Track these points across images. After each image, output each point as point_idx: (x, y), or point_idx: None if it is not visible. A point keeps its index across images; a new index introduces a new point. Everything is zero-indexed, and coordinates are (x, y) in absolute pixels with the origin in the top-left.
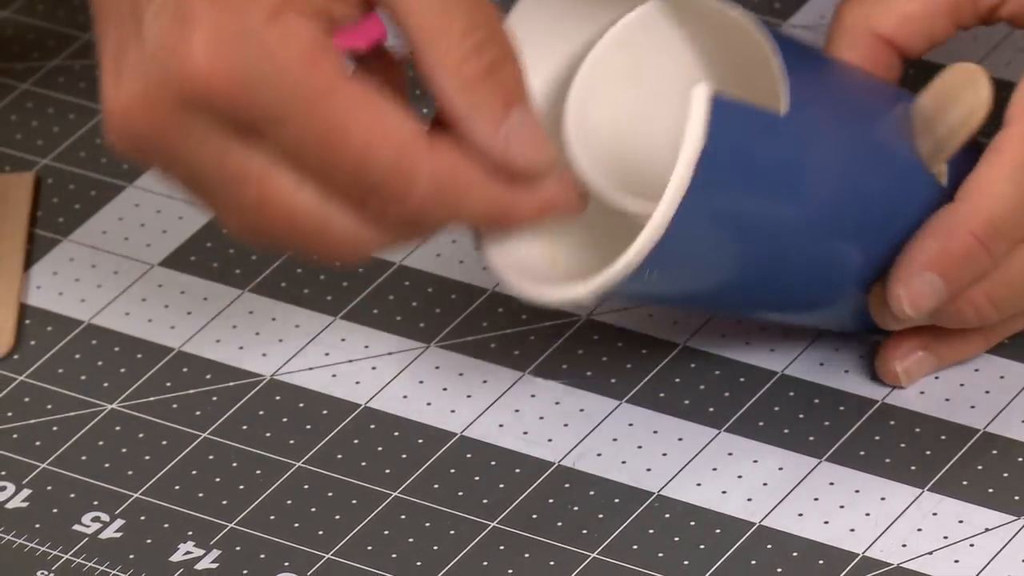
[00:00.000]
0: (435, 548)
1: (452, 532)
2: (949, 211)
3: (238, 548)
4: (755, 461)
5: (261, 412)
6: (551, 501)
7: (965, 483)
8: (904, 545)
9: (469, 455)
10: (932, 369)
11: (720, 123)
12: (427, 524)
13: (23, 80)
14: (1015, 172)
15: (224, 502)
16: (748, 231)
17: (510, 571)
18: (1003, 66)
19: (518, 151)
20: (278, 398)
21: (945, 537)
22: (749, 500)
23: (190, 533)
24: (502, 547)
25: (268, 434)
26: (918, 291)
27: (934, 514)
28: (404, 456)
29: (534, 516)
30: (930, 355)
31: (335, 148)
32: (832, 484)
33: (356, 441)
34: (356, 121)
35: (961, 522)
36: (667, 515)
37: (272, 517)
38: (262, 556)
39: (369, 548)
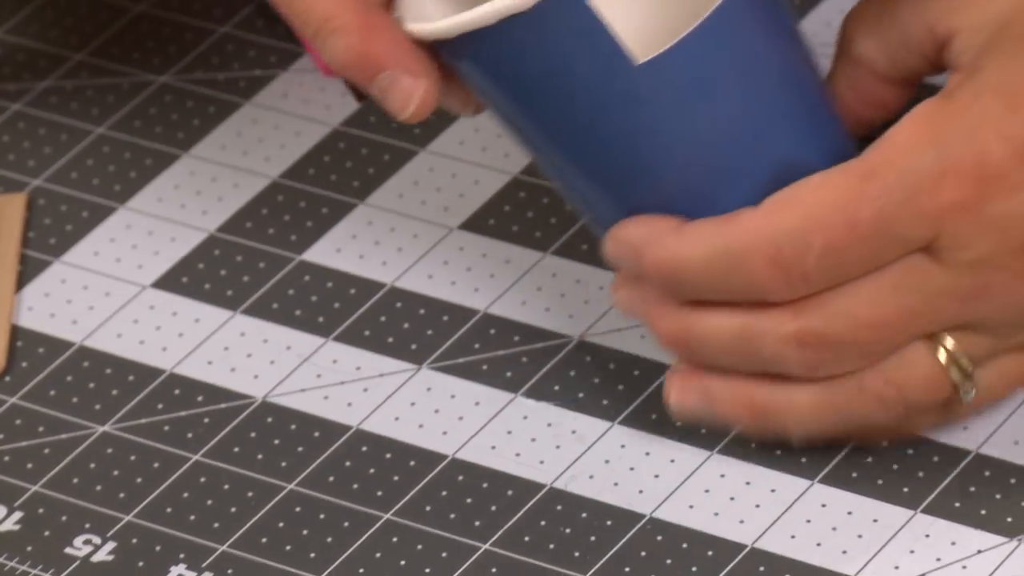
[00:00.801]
0: (427, 570)
1: (444, 554)
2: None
3: (230, 571)
4: (747, 483)
5: (253, 434)
6: (543, 523)
7: (957, 504)
8: (896, 567)
9: (461, 477)
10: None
11: None
12: (419, 547)
13: (15, 101)
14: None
15: (216, 524)
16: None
17: None
18: None
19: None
20: (270, 420)
21: (938, 559)
22: (741, 522)
23: (182, 556)
24: (494, 569)
25: (260, 456)
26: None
27: (926, 536)
28: (396, 478)
29: (526, 538)
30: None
31: None
32: (824, 506)
33: (348, 463)
34: None
35: (954, 544)
36: (659, 537)
37: (264, 539)
38: None
39: (361, 571)
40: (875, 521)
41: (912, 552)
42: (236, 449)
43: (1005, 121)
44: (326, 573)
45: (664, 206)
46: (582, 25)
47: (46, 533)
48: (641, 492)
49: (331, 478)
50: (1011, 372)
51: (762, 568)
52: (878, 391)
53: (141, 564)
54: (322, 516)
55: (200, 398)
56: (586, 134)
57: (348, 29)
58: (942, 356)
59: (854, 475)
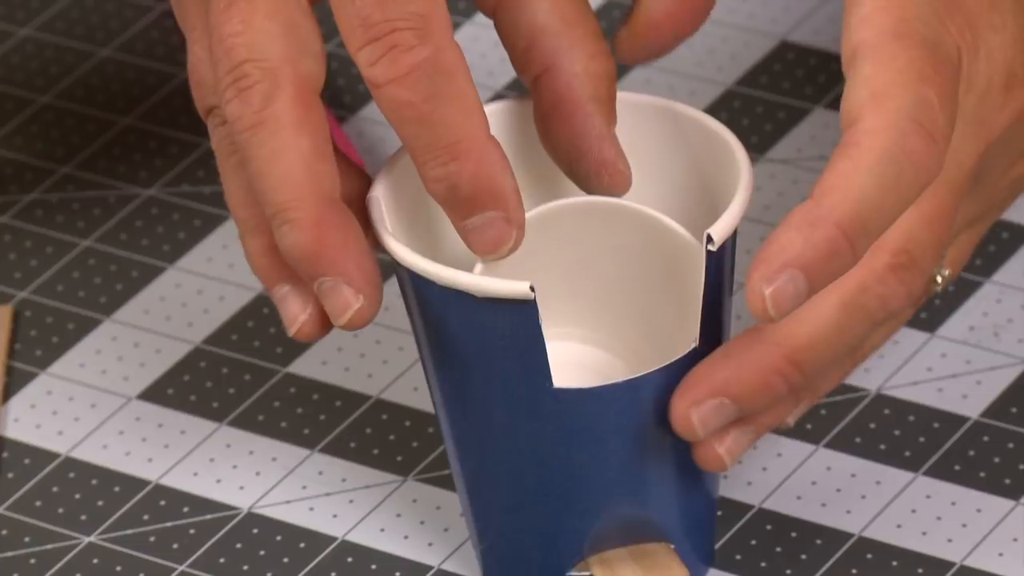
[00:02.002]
0: None
1: None
2: (810, 207)
3: None
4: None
5: (238, 545)
6: None
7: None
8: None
9: None
10: (748, 440)
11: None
12: None
13: (1, 213)
14: (876, 166)
15: None
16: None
17: None
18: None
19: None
20: (255, 531)
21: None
22: None
23: None
24: None
25: (246, 567)
26: (781, 289)
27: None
28: None
29: None
30: (747, 428)
31: None
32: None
33: (333, 574)
34: None
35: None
36: None
37: None
38: None
39: None
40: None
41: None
42: (222, 560)
43: None
44: None
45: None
46: (528, 330)
47: None
48: None
49: None
50: (965, 248)
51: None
52: (887, 261)
53: None
54: None
55: (186, 509)
56: (466, 403)
57: (302, 224)
58: None
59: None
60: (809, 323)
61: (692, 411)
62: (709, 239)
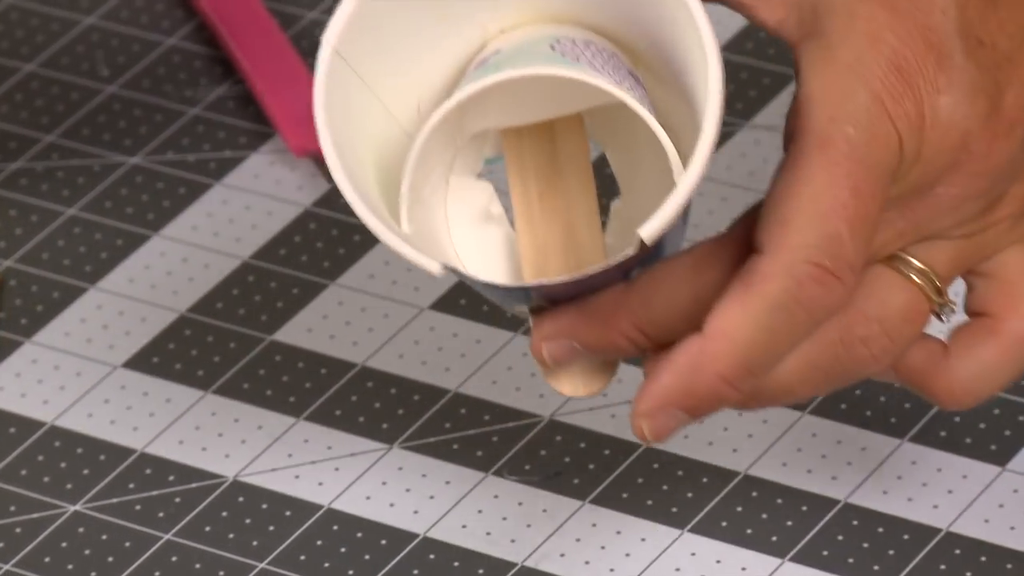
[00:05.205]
0: None
1: None
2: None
3: None
4: (718, 561)
5: (224, 513)
6: None
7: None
8: None
9: (432, 556)
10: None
11: None
12: None
13: None
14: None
15: None
16: None
17: None
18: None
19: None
20: (241, 499)
21: None
22: (611, 570)
23: None
24: None
25: (231, 535)
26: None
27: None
28: (367, 557)
29: None
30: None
31: None
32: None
33: (319, 542)
34: None
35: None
36: None
37: None
38: None
39: None
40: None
41: None
42: (207, 528)
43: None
44: None
45: None
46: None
47: None
48: (612, 570)
49: (302, 557)
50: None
51: None
52: (861, 334)
53: None
54: None
55: (171, 477)
56: None
57: None
58: (913, 274)
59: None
60: (739, 337)
61: (644, 422)
62: (640, 240)
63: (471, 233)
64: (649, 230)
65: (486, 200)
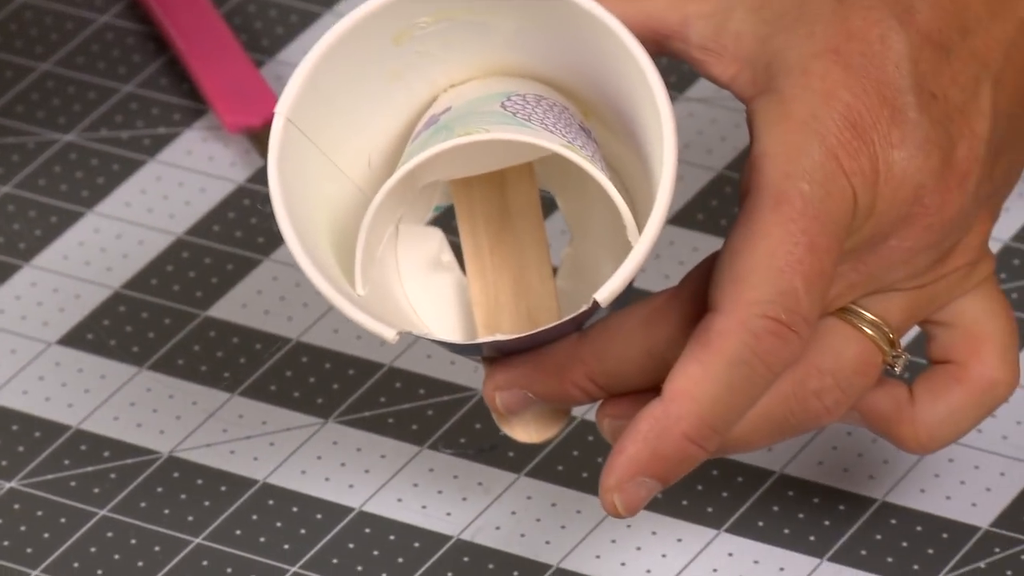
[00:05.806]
0: None
1: None
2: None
3: None
4: (653, 533)
5: (159, 489)
6: (450, 575)
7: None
8: None
9: (368, 530)
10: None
11: None
12: None
13: None
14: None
15: None
16: None
17: None
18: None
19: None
20: (176, 475)
21: None
22: (648, 572)
23: None
24: None
25: (166, 511)
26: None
27: None
28: (303, 532)
29: None
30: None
31: None
32: (731, 555)
33: (255, 517)
34: None
35: None
36: None
37: None
38: None
39: None
40: (781, 569)
41: None
42: (143, 504)
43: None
44: None
45: None
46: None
47: None
48: (548, 543)
49: (238, 532)
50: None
51: None
52: (814, 387)
53: None
54: (229, 570)
55: (106, 453)
56: None
57: None
58: (866, 326)
59: (760, 524)
60: (701, 396)
61: (614, 496)
62: (595, 302)
63: (423, 282)
64: (604, 294)
65: (436, 247)
